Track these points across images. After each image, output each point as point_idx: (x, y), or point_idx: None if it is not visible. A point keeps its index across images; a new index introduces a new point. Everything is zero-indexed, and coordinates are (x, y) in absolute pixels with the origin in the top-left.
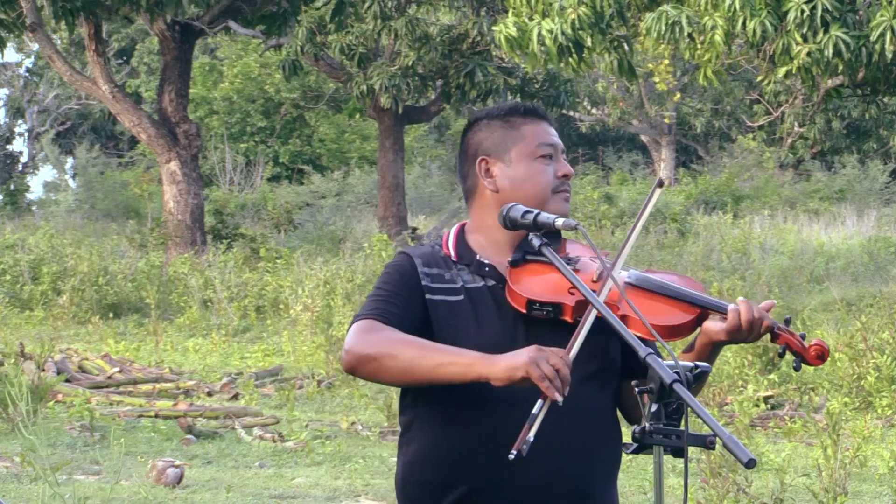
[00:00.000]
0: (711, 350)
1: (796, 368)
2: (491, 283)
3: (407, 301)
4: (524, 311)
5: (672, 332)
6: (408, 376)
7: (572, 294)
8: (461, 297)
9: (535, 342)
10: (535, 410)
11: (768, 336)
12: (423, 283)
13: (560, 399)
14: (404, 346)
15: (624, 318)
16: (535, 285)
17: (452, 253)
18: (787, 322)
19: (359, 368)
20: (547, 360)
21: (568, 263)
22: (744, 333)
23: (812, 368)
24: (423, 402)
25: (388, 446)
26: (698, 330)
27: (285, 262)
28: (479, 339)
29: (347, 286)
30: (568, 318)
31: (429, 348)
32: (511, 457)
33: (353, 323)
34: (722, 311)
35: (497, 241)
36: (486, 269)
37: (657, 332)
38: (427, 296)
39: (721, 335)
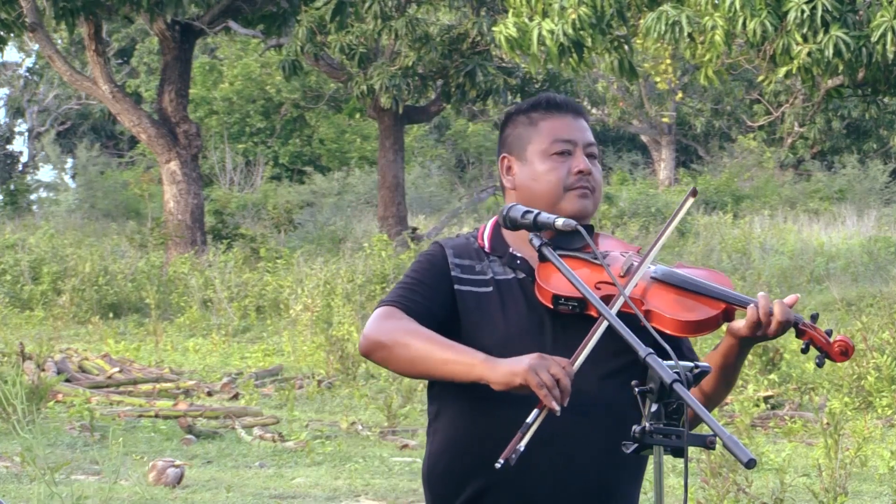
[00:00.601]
0: (739, 349)
1: (819, 364)
2: (521, 275)
3: (432, 291)
4: (550, 305)
5: (697, 328)
6: (416, 368)
7: (598, 289)
8: (490, 288)
9: (562, 335)
10: (529, 419)
11: (793, 332)
12: (453, 273)
13: (557, 409)
14: (416, 337)
15: (648, 313)
16: (561, 280)
17: (487, 245)
18: (814, 318)
19: (372, 354)
20: (548, 369)
21: (595, 259)
22: (765, 328)
23: (812, 368)
24: (448, 393)
25: (388, 446)
26: (725, 327)
27: (285, 262)
28: (505, 330)
29: (347, 286)
30: (593, 313)
31: (438, 343)
32: (498, 466)
33: (376, 308)
34: (745, 306)
35: (527, 236)
36: (518, 262)
37: (683, 328)
38: (455, 286)
39: (743, 331)
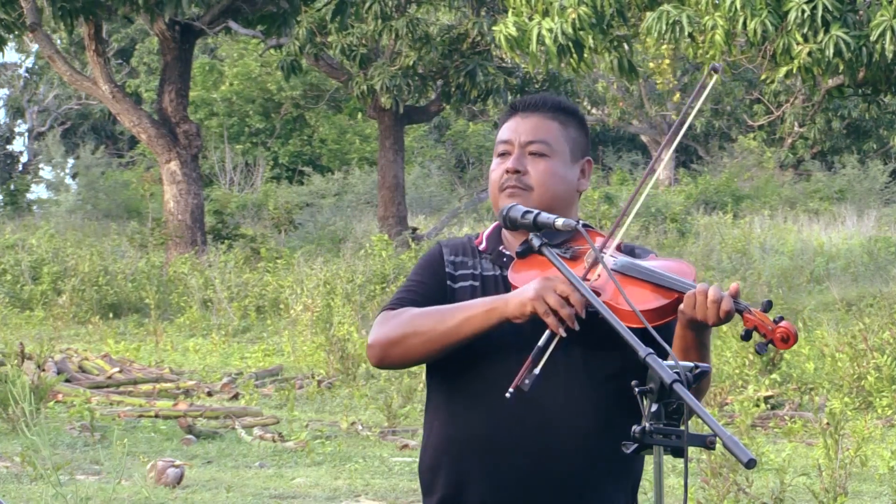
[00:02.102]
0: (691, 330)
1: (758, 351)
2: (506, 272)
3: (427, 288)
4: None
5: (652, 317)
6: (436, 344)
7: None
8: (477, 283)
9: (541, 326)
10: (540, 343)
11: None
12: (447, 270)
13: (564, 334)
14: (423, 318)
15: (606, 304)
16: (525, 277)
17: (484, 244)
18: (767, 306)
19: (386, 357)
20: (554, 290)
21: (566, 252)
22: (701, 309)
23: (812, 368)
24: (432, 391)
25: (388, 446)
26: None
27: (285, 262)
28: None
29: (347, 286)
30: None
31: (446, 311)
32: (508, 395)
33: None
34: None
35: (515, 235)
36: (505, 259)
37: (638, 317)
38: (448, 282)
39: (685, 311)
